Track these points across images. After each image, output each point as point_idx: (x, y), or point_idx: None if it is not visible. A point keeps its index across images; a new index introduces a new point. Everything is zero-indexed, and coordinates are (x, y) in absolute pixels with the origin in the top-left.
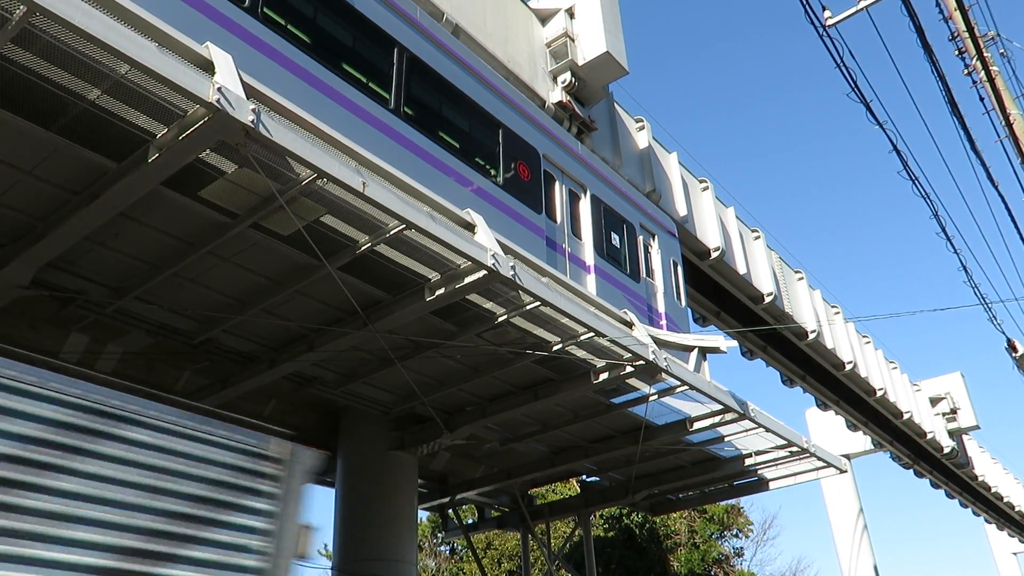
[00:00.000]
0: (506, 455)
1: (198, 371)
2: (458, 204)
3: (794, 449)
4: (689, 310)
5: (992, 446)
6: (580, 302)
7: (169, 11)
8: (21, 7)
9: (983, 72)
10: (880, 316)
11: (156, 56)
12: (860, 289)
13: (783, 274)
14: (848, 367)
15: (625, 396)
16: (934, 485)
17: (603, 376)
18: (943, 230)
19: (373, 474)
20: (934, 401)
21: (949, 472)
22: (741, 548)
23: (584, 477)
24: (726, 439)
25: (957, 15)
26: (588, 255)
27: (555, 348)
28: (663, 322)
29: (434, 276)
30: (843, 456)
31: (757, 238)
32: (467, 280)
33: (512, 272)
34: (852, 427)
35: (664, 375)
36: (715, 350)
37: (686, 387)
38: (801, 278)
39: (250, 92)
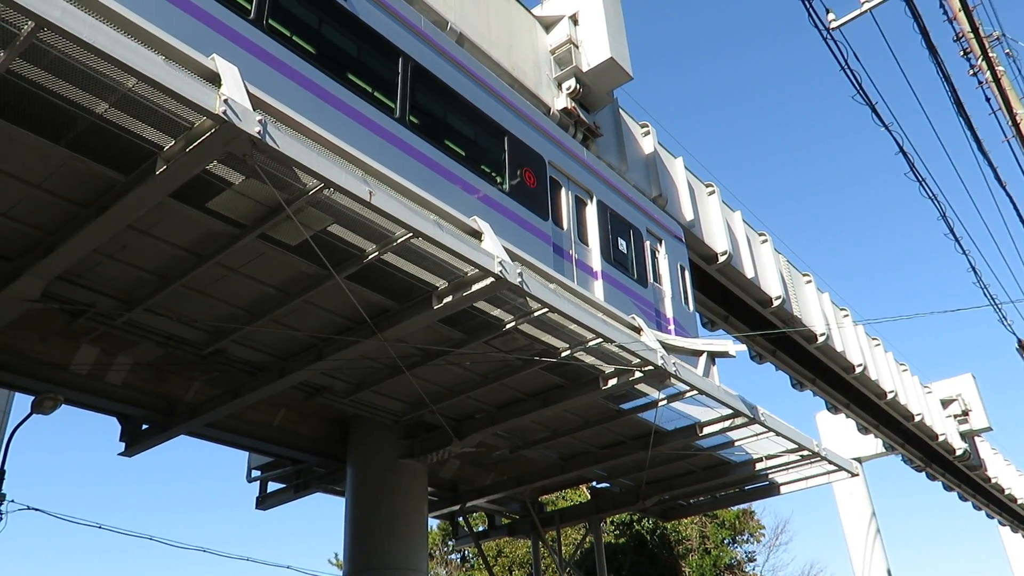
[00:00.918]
0: (516, 462)
1: (208, 382)
2: (465, 212)
3: (805, 453)
4: (697, 314)
5: (1005, 448)
6: (588, 308)
7: (175, 24)
8: (29, 22)
9: (989, 72)
10: (890, 318)
11: (163, 69)
12: (869, 292)
13: (791, 277)
14: (858, 370)
15: (635, 402)
16: (947, 488)
17: (612, 382)
18: (951, 231)
19: (383, 483)
20: (945, 403)
21: (962, 474)
22: (753, 553)
23: (594, 483)
24: (736, 444)
25: (961, 16)
26: (595, 261)
27: (563, 354)
28: (671, 327)
29: (442, 284)
30: (854, 459)
31: (764, 241)
32: (475, 287)
33: (519, 279)
34: (863, 430)
35: (673, 380)
36: (724, 354)
37: (695, 392)
38: (809, 281)
39: (256, 103)
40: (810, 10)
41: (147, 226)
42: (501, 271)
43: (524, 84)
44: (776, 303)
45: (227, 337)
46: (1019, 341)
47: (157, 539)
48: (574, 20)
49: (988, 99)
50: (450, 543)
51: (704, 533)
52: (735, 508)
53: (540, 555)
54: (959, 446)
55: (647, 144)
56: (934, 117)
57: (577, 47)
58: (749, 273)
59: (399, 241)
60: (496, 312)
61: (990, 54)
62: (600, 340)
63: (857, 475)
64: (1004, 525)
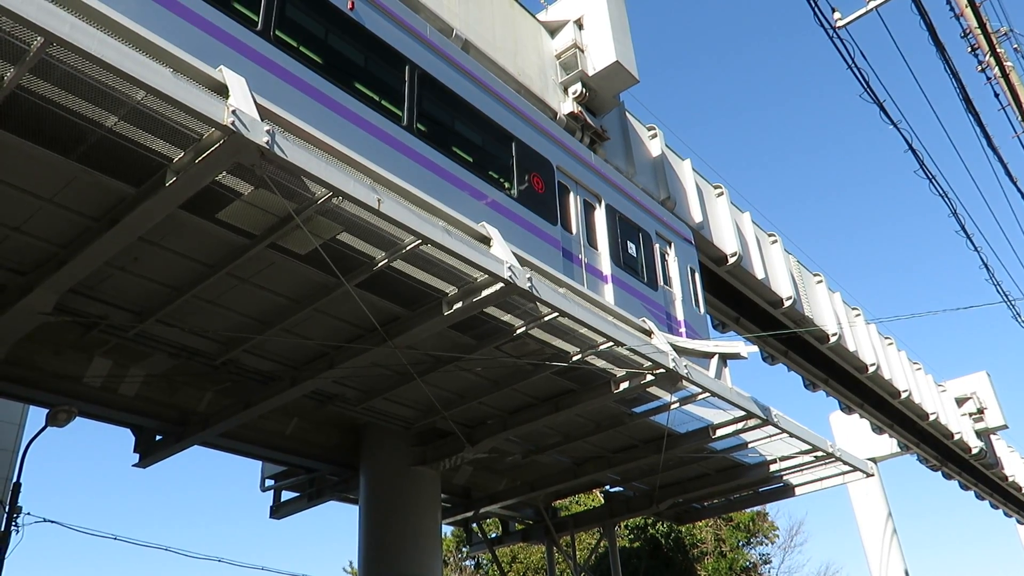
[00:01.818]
0: (529, 467)
1: (220, 392)
2: (474, 218)
3: (819, 454)
4: (708, 316)
5: (1021, 445)
6: (598, 312)
7: (184, 37)
8: (39, 38)
9: (997, 68)
10: (902, 317)
11: (171, 81)
12: (881, 290)
13: (802, 277)
14: (871, 369)
15: (647, 405)
16: (963, 487)
17: (624, 385)
18: (962, 228)
19: (396, 490)
20: (960, 401)
21: (978, 473)
22: (768, 555)
23: (608, 487)
24: (750, 445)
25: (968, 12)
26: (605, 265)
27: (574, 359)
28: (682, 329)
29: (451, 290)
30: (869, 460)
31: (774, 242)
32: (484, 293)
33: (529, 284)
34: (877, 430)
35: (685, 383)
36: (736, 356)
37: (708, 394)
38: (820, 281)
39: (265, 114)
40: (816, 9)
41: (158, 238)
42: (511, 276)
43: (530, 89)
44: (787, 304)
45: (239, 347)
46: None
47: (173, 549)
48: (579, 24)
49: (997, 95)
50: (464, 549)
51: (719, 536)
52: (750, 510)
53: (555, 560)
54: (975, 444)
55: (654, 147)
56: (942, 114)
57: (582, 51)
58: (759, 274)
59: (408, 248)
60: (506, 317)
61: (998, 50)
62: (611, 344)
63: (872, 475)
64: (1022, 523)
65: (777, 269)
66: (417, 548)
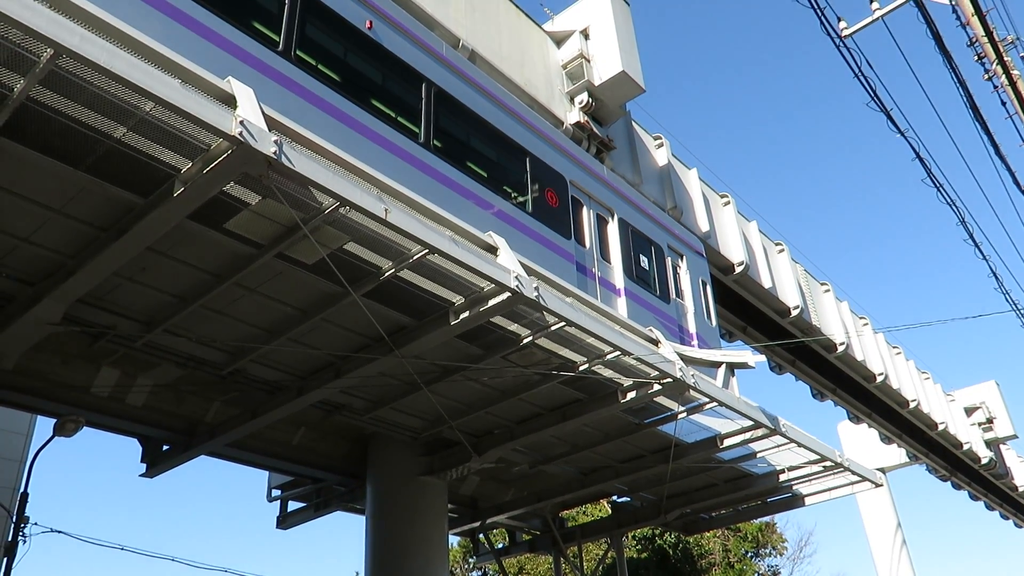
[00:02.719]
0: (536, 478)
1: (227, 402)
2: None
3: (828, 464)
4: (719, 329)
5: None
6: (605, 321)
7: (209, 59)
8: (48, 50)
9: (1004, 76)
10: (910, 326)
11: (179, 92)
12: (889, 299)
13: (809, 287)
14: (879, 379)
15: (654, 415)
16: (973, 497)
17: (631, 395)
18: (971, 236)
19: (403, 500)
20: (969, 411)
21: (988, 483)
22: (777, 567)
23: (615, 498)
24: (758, 455)
25: (975, 20)
26: (618, 278)
27: (581, 368)
28: (694, 342)
29: (458, 300)
30: (878, 470)
31: (781, 251)
32: (491, 303)
33: (536, 293)
34: (886, 440)
35: (692, 392)
36: (743, 365)
37: (715, 404)
38: (828, 290)
39: (272, 124)
40: (822, 19)
41: (166, 248)
42: (517, 286)
43: (536, 99)
44: (794, 313)
45: (246, 357)
46: None
47: (180, 559)
48: (585, 35)
49: (1004, 103)
50: (471, 560)
51: (727, 547)
52: (758, 521)
53: (562, 571)
54: (984, 454)
55: (661, 156)
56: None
57: (589, 61)
58: (766, 283)
59: (415, 257)
60: (513, 327)
61: (1005, 58)
62: (618, 353)
63: (881, 485)
64: None
65: (784, 278)
66: (424, 558)
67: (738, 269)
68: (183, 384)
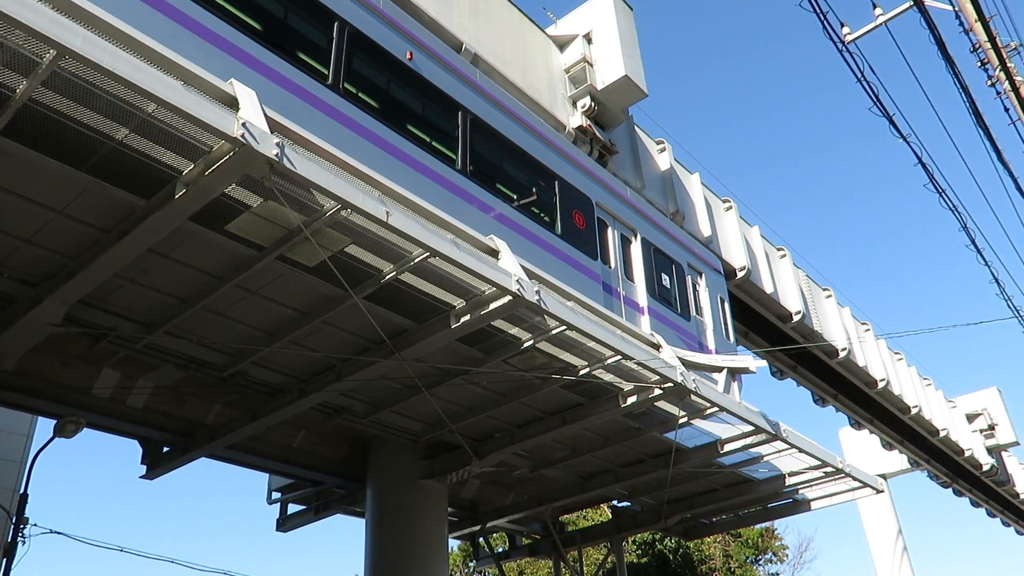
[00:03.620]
0: (536, 481)
1: (228, 404)
2: (524, 256)
3: (829, 469)
4: (736, 344)
5: None
6: (606, 325)
7: (269, 95)
8: (51, 51)
9: (1007, 83)
10: (912, 332)
11: (181, 94)
12: (890, 305)
13: (811, 292)
14: (881, 385)
15: (655, 419)
16: (974, 504)
17: (632, 399)
18: (973, 242)
19: (403, 503)
20: (971, 417)
21: (989, 490)
22: (777, 573)
23: (616, 502)
24: (759, 461)
25: (978, 27)
26: (641, 297)
27: (582, 372)
28: None
29: (459, 303)
30: (879, 476)
31: (783, 256)
32: (492, 306)
33: (537, 296)
34: (887, 446)
35: (693, 397)
36: (744, 370)
37: (716, 409)
38: (829, 295)
39: (274, 126)
40: (825, 24)
41: (167, 250)
42: (519, 289)
43: (539, 103)
44: (796, 318)
45: (247, 359)
46: None
47: (179, 561)
48: (588, 39)
49: (1007, 109)
50: (471, 564)
51: (727, 552)
52: (758, 526)
53: (562, 575)
54: (986, 461)
55: (663, 161)
56: (952, 128)
57: (591, 65)
58: (768, 288)
59: (416, 260)
60: (514, 330)
61: (1008, 64)
62: (619, 357)
63: (882, 491)
64: None
65: (786, 283)
66: (423, 562)
67: (740, 274)
68: (184, 386)
